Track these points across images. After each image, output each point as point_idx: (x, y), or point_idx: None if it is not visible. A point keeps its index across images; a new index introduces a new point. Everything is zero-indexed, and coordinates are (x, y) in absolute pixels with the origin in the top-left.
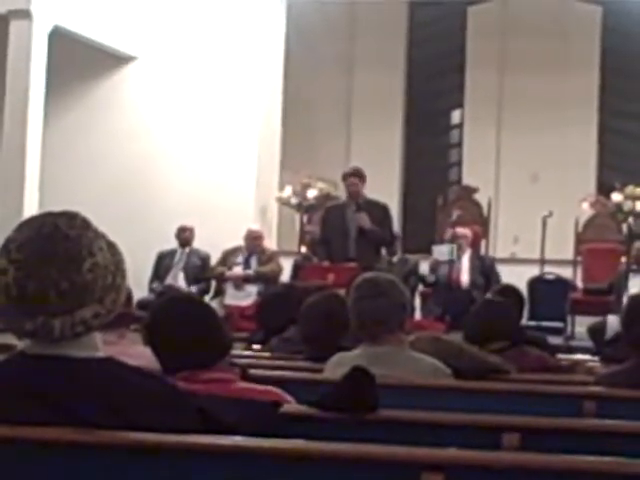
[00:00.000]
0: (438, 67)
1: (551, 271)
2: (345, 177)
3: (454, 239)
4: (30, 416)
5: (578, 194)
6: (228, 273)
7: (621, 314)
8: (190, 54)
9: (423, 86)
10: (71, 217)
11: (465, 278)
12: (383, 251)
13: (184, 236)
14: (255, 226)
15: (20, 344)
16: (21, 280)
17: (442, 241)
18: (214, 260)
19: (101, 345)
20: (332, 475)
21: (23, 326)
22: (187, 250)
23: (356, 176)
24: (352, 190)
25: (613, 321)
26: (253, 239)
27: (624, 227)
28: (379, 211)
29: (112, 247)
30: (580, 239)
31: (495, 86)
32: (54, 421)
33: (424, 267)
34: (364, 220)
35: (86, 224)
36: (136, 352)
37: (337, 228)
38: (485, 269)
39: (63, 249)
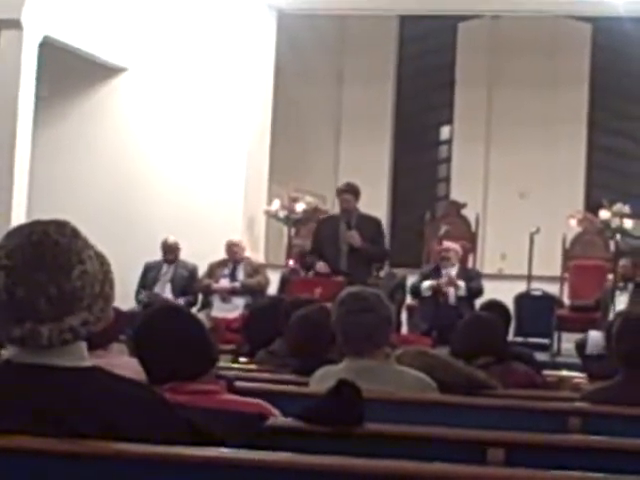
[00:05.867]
0: (428, 83)
1: (538, 287)
2: (339, 193)
3: (443, 253)
4: (16, 426)
5: (566, 211)
6: (215, 285)
7: (613, 329)
8: (180, 66)
9: (412, 101)
10: (61, 225)
11: (452, 293)
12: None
13: (170, 253)
14: (237, 237)
15: (5, 353)
16: (10, 286)
17: (429, 257)
18: (202, 273)
19: (87, 355)
20: None
21: (11, 332)
22: (174, 262)
23: (350, 193)
24: (345, 207)
25: (594, 337)
26: (231, 246)
27: (611, 244)
28: (372, 226)
29: (101, 257)
30: (567, 256)
31: (484, 102)
32: (40, 431)
33: (412, 280)
34: (355, 239)
35: (75, 232)
36: (122, 362)
37: (329, 241)
38: (469, 279)
39: (52, 256)
